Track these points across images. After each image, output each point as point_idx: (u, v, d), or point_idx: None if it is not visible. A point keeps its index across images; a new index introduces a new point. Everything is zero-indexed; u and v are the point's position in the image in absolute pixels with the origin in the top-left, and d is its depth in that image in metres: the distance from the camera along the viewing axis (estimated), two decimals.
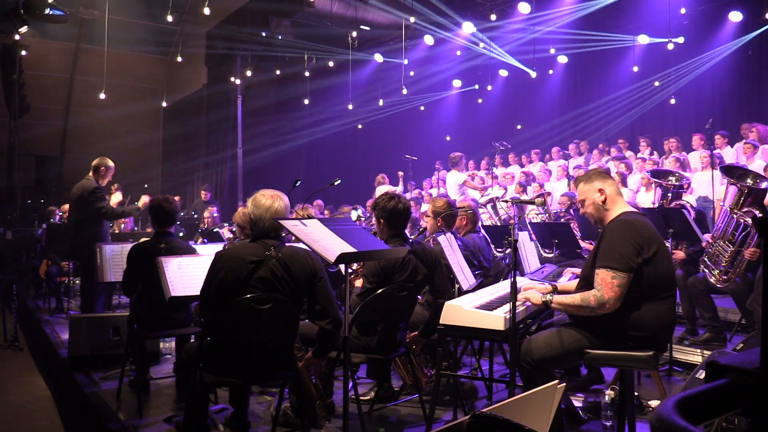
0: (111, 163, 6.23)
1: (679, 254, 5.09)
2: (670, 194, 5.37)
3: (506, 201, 7.02)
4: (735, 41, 9.72)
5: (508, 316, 2.83)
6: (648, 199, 7.62)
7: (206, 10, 9.73)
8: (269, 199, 2.99)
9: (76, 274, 7.58)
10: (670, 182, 5.47)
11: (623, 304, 2.75)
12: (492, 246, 5.86)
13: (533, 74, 10.68)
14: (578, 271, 3.99)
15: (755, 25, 9.47)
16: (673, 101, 10.44)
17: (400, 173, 11.65)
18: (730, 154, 8.16)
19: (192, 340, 4.12)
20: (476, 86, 13.63)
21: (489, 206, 8.25)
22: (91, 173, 6.15)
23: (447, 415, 3.73)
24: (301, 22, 12.24)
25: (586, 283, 2.91)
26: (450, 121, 14.67)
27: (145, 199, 6.21)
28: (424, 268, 3.52)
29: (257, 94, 15.33)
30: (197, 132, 16.13)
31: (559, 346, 2.87)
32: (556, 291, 3.18)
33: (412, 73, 13.32)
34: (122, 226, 8.54)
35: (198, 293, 3.05)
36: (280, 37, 12.14)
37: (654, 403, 3.73)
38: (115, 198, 6.48)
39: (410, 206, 3.68)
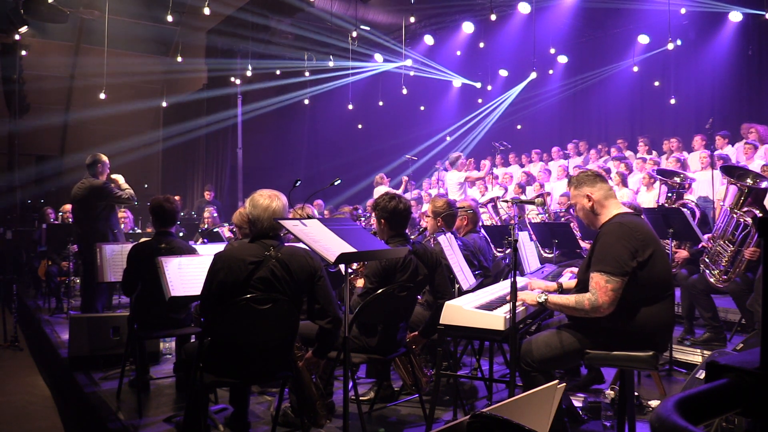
0: (105, 159, 6.24)
1: (683, 253, 5.09)
2: (674, 194, 5.38)
3: (506, 201, 7.03)
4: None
5: (508, 316, 2.83)
6: (648, 198, 7.63)
7: (206, 10, 9.72)
8: (267, 199, 2.99)
9: (76, 274, 7.59)
10: (675, 182, 5.49)
11: (621, 306, 2.74)
12: (492, 246, 5.86)
13: (533, 74, 10.67)
14: (577, 271, 4.00)
15: (755, 25, 9.49)
16: (673, 101, 10.44)
17: (405, 178, 11.61)
18: (730, 154, 8.17)
19: (192, 340, 4.12)
20: (478, 84, 13.65)
21: (489, 206, 8.25)
22: (88, 173, 6.15)
23: (447, 415, 3.73)
24: (301, 22, 12.24)
25: (582, 285, 2.91)
26: (450, 121, 14.67)
27: (120, 179, 6.29)
28: (425, 269, 3.52)
29: (257, 94, 15.33)
30: (197, 132, 16.13)
31: (558, 347, 2.87)
32: (561, 289, 3.18)
33: (412, 73, 13.33)
34: (122, 225, 8.53)
35: (198, 293, 3.05)
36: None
37: (654, 403, 3.73)
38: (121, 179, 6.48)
39: (411, 206, 3.69)
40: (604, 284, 2.72)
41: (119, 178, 6.35)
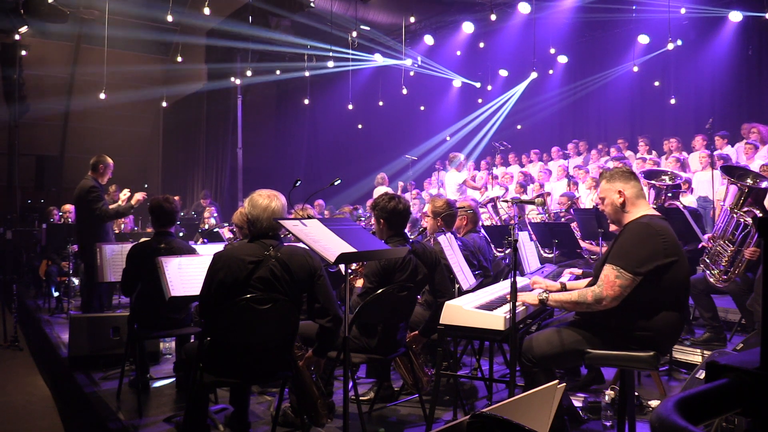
0: (109, 161, 6.22)
1: None
2: (669, 194, 5.35)
3: (506, 201, 7.02)
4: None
5: (508, 316, 2.83)
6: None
7: (206, 10, 9.72)
8: (266, 199, 2.99)
9: (76, 274, 7.58)
10: (663, 181, 5.44)
11: (634, 307, 2.71)
12: (492, 246, 5.85)
13: (534, 74, 10.66)
14: (578, 271, 4.00)
15: (755, 25, 9.49)
16: (673, 101, 10.44)
17: (401, 184, 11.64)
18: (730, 154, 8.17)
19: (192, 340, 4.12)
20: (478, 84, 13.64)
21: (489, 206, 8.24)
22: (90, 172, 6.15)
23: (447, 415, 3.73)
24: (301, 22, 12.25)
25: (596, 281, 2.89)
26: (450, 121, 14.67)
27: (138, 197, 6.09)
28: (425, 268, 3.52)
29: (257, 94, 15.32)
30: (197, 132, 16.13)
31: (559, 345, 2.87)
32: (564, 289, 3.17)
33: (412, 73, 13.33)
34: (122, 226, 8.54)
35: (198, 293, 3.05)
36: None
37: (654, 403, 3.73)
38: (124, 194, 6.31)
39: (410, 206, 3.69)
40: (613, 278, 2.69)
41: (123, 194, 6.23)
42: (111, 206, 6.11)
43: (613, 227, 3.39)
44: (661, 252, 2.68)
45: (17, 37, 11.19)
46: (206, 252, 4.08)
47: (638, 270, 2.66)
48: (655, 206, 5.31)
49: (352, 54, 12.30)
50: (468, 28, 11.55)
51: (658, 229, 2.73)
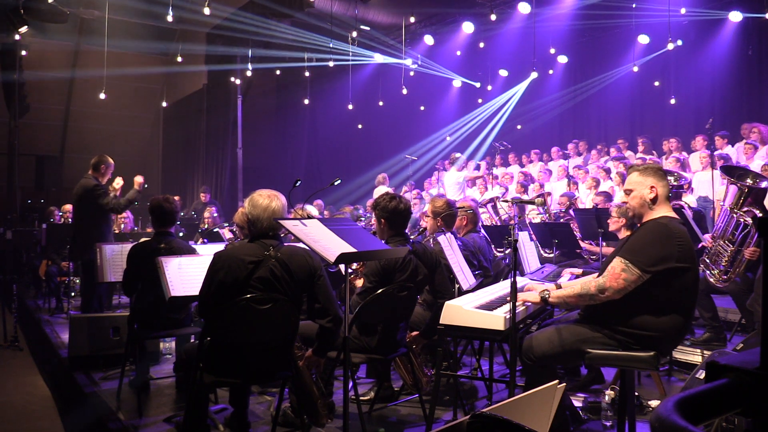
0: (110, 161, 6.24)
1: None
2: (670, 194, 5.35)
3: (506, 201, 7.03)
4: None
5: (508, 316, 2.83)
6: None
7: (206, 10, 9.72)
8: (266, 198, 2.99)
9: (76, 274, 7.58)
10: (668, 182, 5.46)
11: (642, 306, 2.71)
12: (492, 246, 5.86)
13: (534, 74, 10.65)
14: (577, 271, 4.00)
15: (755, 25, 9.49)
16: (673, 101, 10.44)
17: (409, 185, 11.64)
18: (730, 154, 8.16)
19: (192, 340, 4.12)
20: (478, 84, 13.64)
21: (489, 206, 8.24)
22: (90, 171, 6.16)
23: (447, 415, 3.73)
24: (301, 21, 12.25)
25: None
26: (450, 121, 14.67)
27: (138, 179, 6.20)
28: (425, 268, 3.52)
29: (257, 94, 15.32)
30: (197, 132, 16.14)
31: (560, 344, 2.86)
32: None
33: (412, 74, 13.32)
34: (122, 225, 8.54)
35: (198, 293, 3.05)
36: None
37: (654, 403, 3.73)
38: (117, 184, 6.46)
39: (411, 206, 3.69)
40: (619, 271, 2.68)
41: (117, 183, 6.34)
42: (122, 199, 6.19)
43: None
44: (674, 255, 2.67)
45: (17, 37, 11.17)
46: (206, 252, 4.08)
47: (647, 268, 2.65)
48: None
49: (352, 49, 12.28)
50: (468, 28, 11.55)
51: (676, 233, 2.72)
